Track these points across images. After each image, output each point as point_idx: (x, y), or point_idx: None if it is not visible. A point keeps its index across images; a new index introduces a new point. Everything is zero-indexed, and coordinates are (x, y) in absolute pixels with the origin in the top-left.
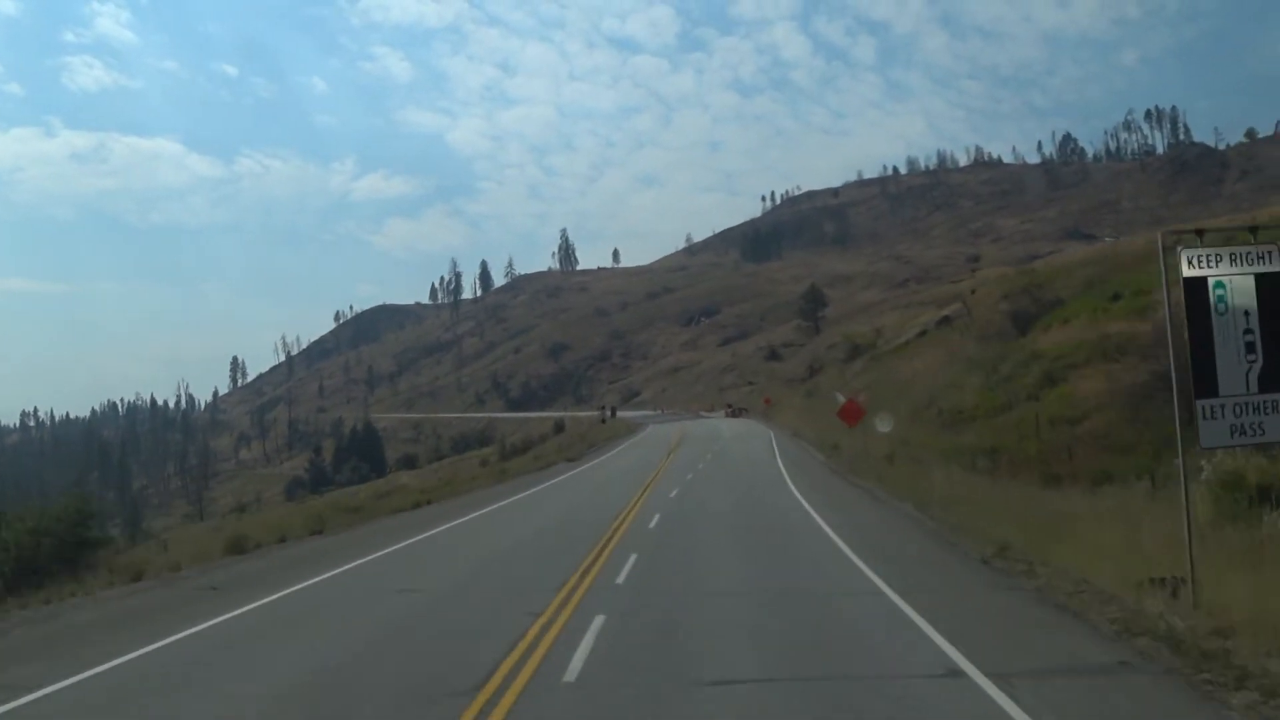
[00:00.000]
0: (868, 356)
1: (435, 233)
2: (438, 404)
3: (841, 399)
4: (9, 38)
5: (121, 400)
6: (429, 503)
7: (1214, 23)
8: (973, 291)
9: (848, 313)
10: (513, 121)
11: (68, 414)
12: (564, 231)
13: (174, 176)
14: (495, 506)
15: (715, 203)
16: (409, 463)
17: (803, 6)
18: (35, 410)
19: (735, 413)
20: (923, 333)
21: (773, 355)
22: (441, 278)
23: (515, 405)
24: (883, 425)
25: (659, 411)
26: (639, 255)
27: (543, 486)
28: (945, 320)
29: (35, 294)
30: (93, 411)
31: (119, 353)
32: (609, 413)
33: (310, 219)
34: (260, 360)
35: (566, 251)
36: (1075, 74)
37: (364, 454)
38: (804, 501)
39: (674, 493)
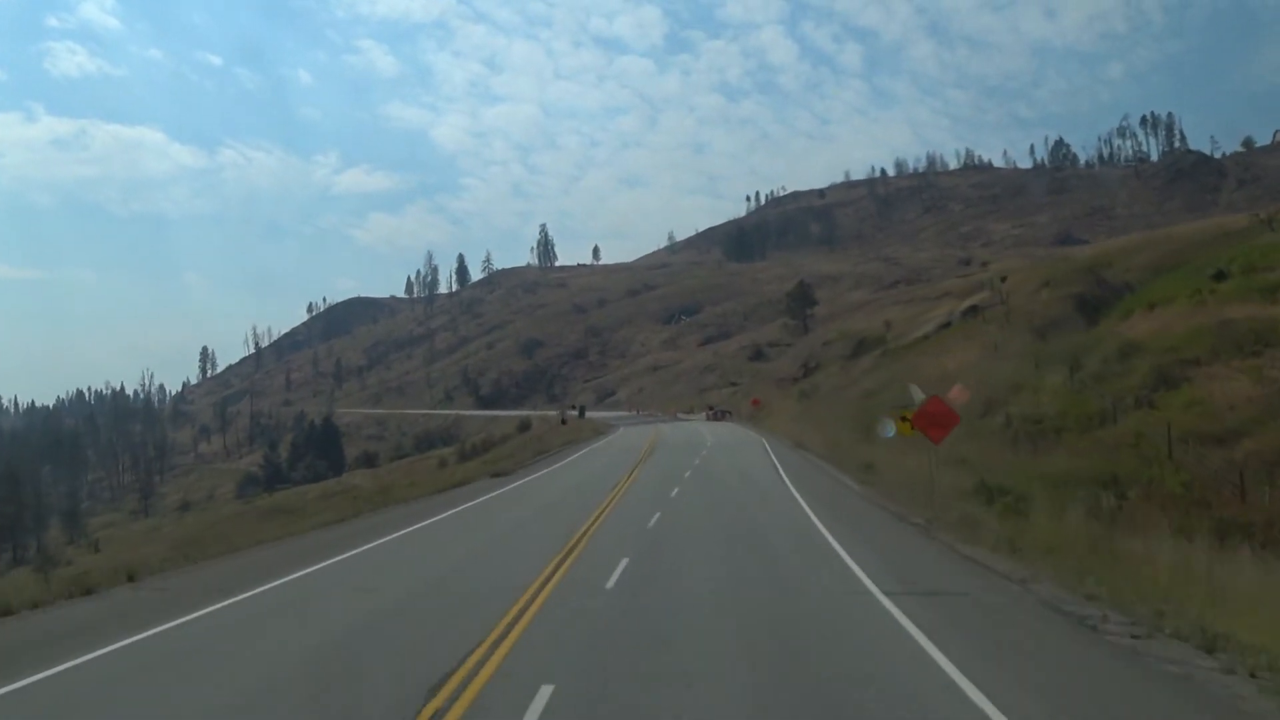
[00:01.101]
0: (878, 352)
1: (418, 229)
2: (406, 400)
3: (920, 396)
4: None
5: (89, 389)
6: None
7: (1200, 39)
8: (1003, 279)
9: (838, 311)
10: (497, 119)
11: (32, 402)
12: (543, 227)
13: (156, 166)
14: (250, 594)
15: (698, 205)
16: (368, 461)
17: (790, 11)
18: None
19: (718, 415)
20: (946, 324)
21: (758, 354)
22: (418, 271)
23: (486, 403)
24: (884, 430)
25: (634, 412)
26: (620, 255)
27: (407, 531)
28: (973, 310)
29: (11, 280)
30: (58, 399)
31: (94, 342)
32: (576, 412)
33: (292, 212)
34: (235, 352)
35: (546, 247)
36: (1061, 86)
37: (322, 451)
38: (915, 632)
39: (621, 566)
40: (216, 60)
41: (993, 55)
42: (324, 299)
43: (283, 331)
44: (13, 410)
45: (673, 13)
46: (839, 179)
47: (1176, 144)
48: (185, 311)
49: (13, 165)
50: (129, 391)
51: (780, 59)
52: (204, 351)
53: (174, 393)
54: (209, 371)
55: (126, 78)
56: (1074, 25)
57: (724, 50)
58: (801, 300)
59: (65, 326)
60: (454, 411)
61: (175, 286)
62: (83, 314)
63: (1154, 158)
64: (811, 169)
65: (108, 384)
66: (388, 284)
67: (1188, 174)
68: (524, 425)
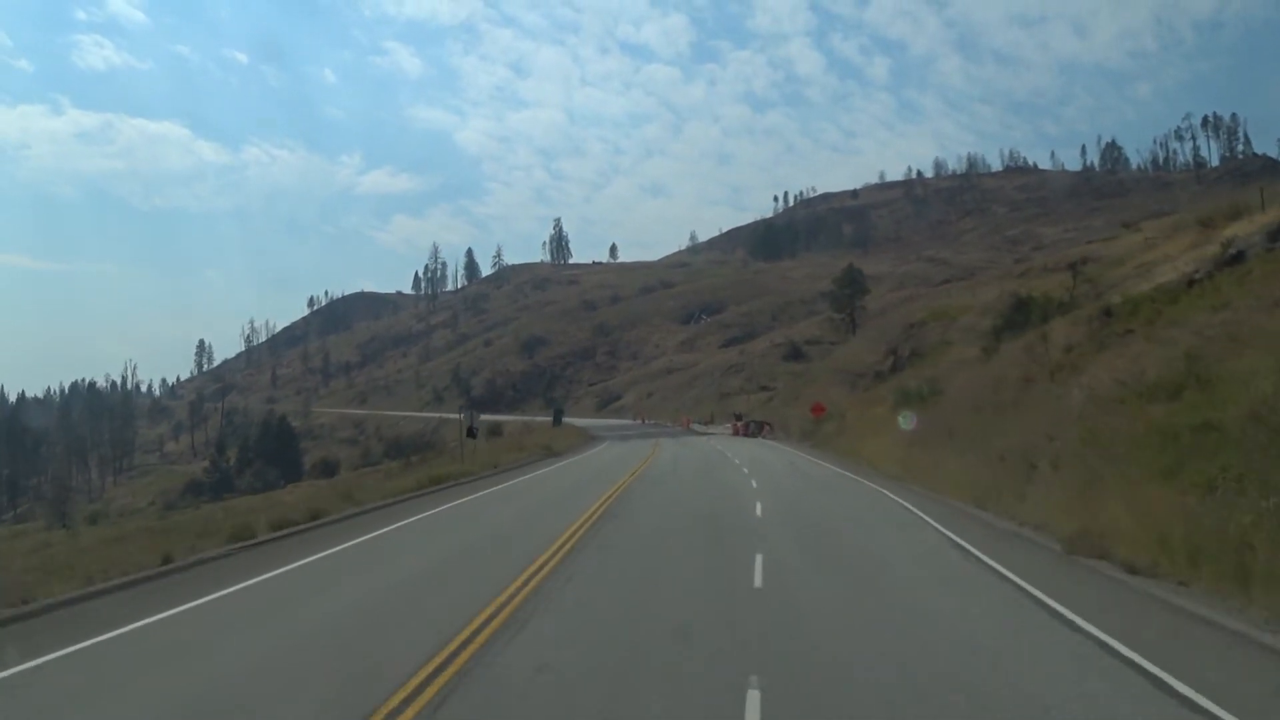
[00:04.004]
0: (1089, 317)
1: (440, 232)
2: (393, 400)
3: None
4: (20, 13)
5: (82, 381)
6: None
7: (1231, 60)
8: None
9: (894, 304)
10: (522, 124)
11: (23, 392)
12: (557, 221)
13: (180, 161)
14: None
15: (722, 216)
16: (327, 468)
17: (819, 23)
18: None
19: (750, 429)
20: (1232, 258)
21: (794, 354)
22: (425, 266)
23: (476, 405)
24: (905, 423)
25: (638, 421)
26: (640, 257)
27: None
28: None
29: (31, 272)
30: (48, 391)
31: (109, 335)
32: (550, 419)
33: (314, 212)
34: (238, 347)
35: (559, 243)
36: (1089, 104)
37: (276, 455)
38: None
39: None
40: (243, 57)
41: (1021, 71)
42: (325, 293)
43: (283, 326)
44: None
45: (700, 21)
46: (872, 180)
47: (1240, 148)
48: (204, 308)
49: (37, 157)
50: (130, 386)
51: (807, 70)
52: (200, 345)
53: (170, 386)
54: (204, 366)
55: (152, 72)
56: (1103, 43)
57: (751, 60)
58: (850, 289)
59: (82, 319)
60: (437, 414)
61: (195, 283)
62: (100, 307)
63: (1214, 162)
64: (836, 182)
65: (107, 376)
66: (403, 283)
67: (1254, 178)
68: (494, 431)
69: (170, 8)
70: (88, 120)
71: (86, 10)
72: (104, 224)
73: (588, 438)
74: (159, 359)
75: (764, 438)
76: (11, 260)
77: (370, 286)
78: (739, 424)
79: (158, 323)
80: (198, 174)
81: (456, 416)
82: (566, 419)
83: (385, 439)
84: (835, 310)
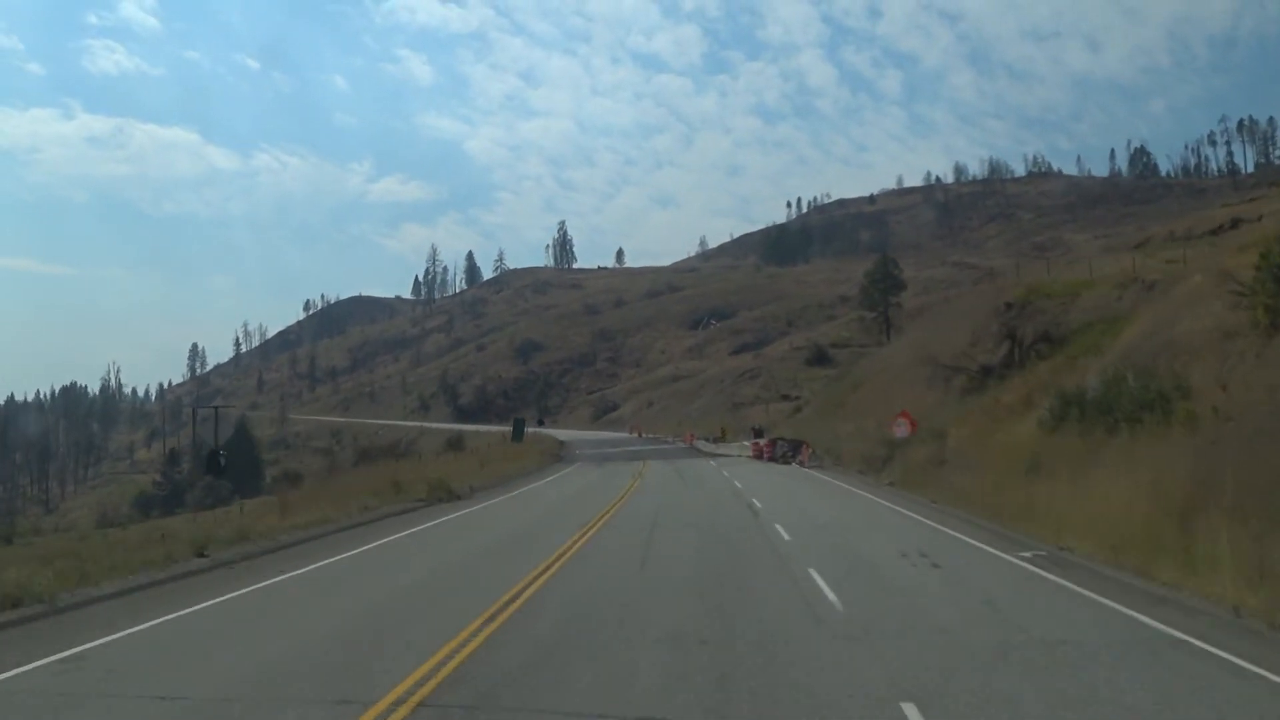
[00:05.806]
0: None
1: (449, 240)
2: (377, 407)
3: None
4: (31, 17)
5: (73, 384)
6: None
7: (1244, 76)
8: None
9: (934, 302)
10: (532, 133)
11: (11, 395)
12: (561, 224)
13: (190, 167)
14: None
15: (732, 227)
16: (290, 480)
17: (831, 35)
18: None
19: (779, 451)
20: None
21: (820, 357)
22: (425, 270)
23: (464, 414)
24: (899, 430)
25: (633, 434)
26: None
27: None
28: None
29: (39, 275)
30: (38, 395)
31: (115, 339)
32: (511, 429)
33: (324, 218)
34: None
35: (563, 246)
36: (1101, 119)
37: (233, 467)
38: None
39: None
40: (254, 64)
41: (1034, 86)
42: (321, 296)
43: (276, 330)
44: None
45: (712, 32)
46: (890, 186)
47: (1276, 154)
48: (211, 313)
49: (48, 161)
50: (113, 390)
51: (819, 83)
52: (193, 349)
53: (161, 390)
54: (197, 370)
55: (163, 77)
56: (1116, 58)
57: (762, 72)
58: (884, 284)
59: (88, 323)
60: (417, 424)
61: (203, 288)
62: (107, 311)
63: (1248, 169)
64: (847, 194)
65: (110, 379)
66: (406, 289)
67: None
68: (453, 442)
69: (182, 13)
70: (98, 125)
71: (98, 14)
72: (113, 229)
73: (553, 458)
74: (162, 364)
75: (802, 464)
76: (19, 264)
77: (376, 293)
78: (763, 444)
79: (165, 327)
80: (208, 180)
81: (437, 426)
82: (551, 430)
83: (359, 449)
84: (867, 309)
